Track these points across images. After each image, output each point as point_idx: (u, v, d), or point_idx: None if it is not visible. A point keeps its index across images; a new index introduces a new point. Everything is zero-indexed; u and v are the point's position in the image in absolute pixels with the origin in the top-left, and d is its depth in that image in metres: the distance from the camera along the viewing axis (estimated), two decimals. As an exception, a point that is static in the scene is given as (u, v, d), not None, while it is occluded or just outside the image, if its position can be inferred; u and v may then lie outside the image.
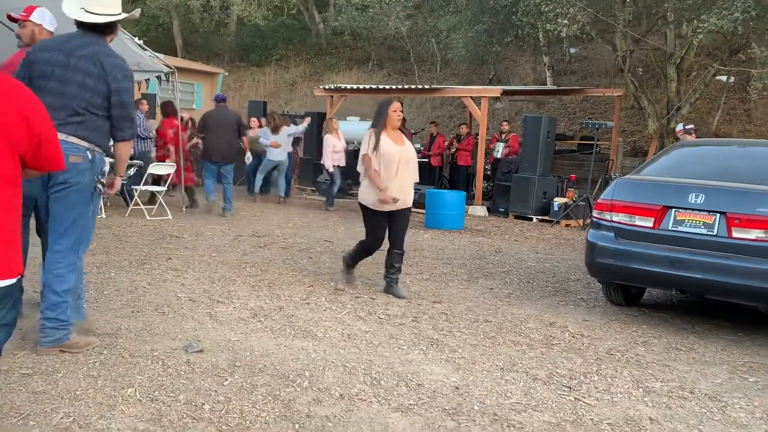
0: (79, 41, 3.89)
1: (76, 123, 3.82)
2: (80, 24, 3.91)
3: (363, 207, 5.92)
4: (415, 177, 5.99)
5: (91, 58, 3.83)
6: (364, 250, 6.06)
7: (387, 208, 5.77)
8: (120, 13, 3.97)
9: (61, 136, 3.24)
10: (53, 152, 2.66)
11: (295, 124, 14.03)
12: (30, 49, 4.09)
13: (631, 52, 15.58)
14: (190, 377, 3.72)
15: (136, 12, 4.36)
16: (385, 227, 5.92)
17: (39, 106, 2.64)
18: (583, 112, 19.57)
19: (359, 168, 5.93)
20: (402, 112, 5.99)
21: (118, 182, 4.26)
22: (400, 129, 6.01)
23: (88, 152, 3.86)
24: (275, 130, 12.60)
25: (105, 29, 3.94)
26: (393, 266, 6.01)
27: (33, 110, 2.57)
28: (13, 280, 2.64)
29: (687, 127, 10.57)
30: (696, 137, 8.78)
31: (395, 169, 5.77)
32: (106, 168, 4.27)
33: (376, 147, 5.76)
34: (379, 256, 6.36)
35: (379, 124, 5.89)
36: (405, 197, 5.86)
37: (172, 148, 11.36)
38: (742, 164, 5.87)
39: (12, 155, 2.51)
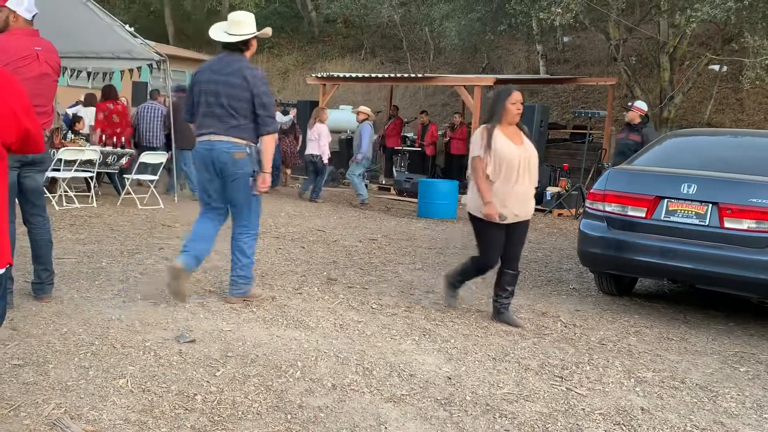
0: (226, 61, 4.88)
1: (235, 127, 4.80)
2: (225, 45, 4.91)
3: (474, 218, 4.96)
4: (536, 182, 4.97)
5: (235, 73, 4.78)
6: (475, 269, 5.17)
7: (508, 220, 4.82)
8: (254, 33, 4.88)
9: (225, 138, 4.75)
10: (36, 139, 2.72)
11: (287, 113, 13.95)
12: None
13: (624, 41, 15.58)
14: (182, 368, 3.71)
15: (268, 30, 5.10)
16: (502, 242, 4.93)
17: (26, 98, 2.66)
18: (576, 101, 19.57)
19: (470, 173, 4.96)
20: (522, 104, 4.94)
21: (268, 178, 4.93)
22: (516, 125, 4.92)
23: (246, 148, 4.84)
24: None
25: (243, 47, 4.89)
26: (505, 289, 5.03)
27: (21, 104, 2.59)
28: (2, 271, 2.63)
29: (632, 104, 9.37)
30: (633, 115, 8.21)
31: (515, 175, 4.74)
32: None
33: (489, 147, 4.73)
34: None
35: (493, 118, 4.86)
36: (526, 208, 4.90)
37: (95, 134, 10.90)
38: (734, 154, 5.89)
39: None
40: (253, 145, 4.90)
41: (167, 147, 10.84)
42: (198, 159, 4.95)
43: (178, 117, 10.43)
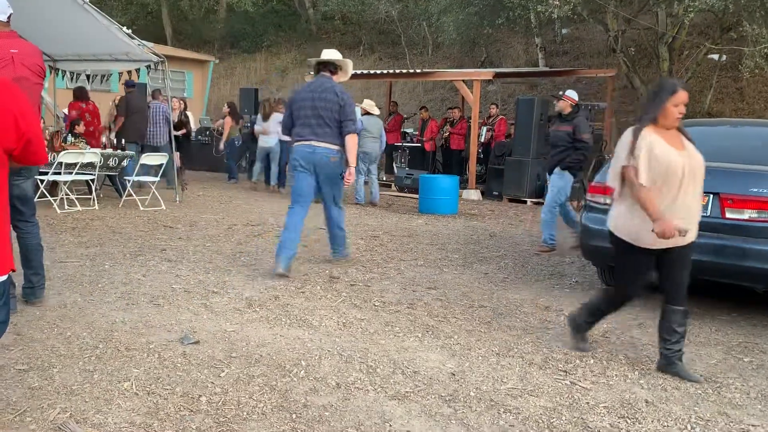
0: (319, 82, 6.25)
1: (330, 135, 6.12)
2: (320, 66, 6.37)
3: (618, 241, 4.09)
4: (701, 193, 4.09)
5: (329, 91, 6.14)
6: (611, 304, 4.28)
7: (664, 243, 3.88)
8: (340, 59, 6.40)
9: (324, 144, 6.08)
10: (39, 147, 2.71)
11: None
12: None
13: (622, 32, 15.54)
14: (187, 369, 3.72)
15: (349, 63, 6.49)
16: (649, 271, 4.09)
17: (27, 105, 2.66)
18: (576, 93, 19.51)
19: (612, 182, 4.06)
20: (686, 105, 4.02)
21: (353, 170, 6.24)
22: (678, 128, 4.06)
23: (338, 152, 6.16)
24: (266, 117, 12.59)
25: (333, 71, 6.36)
26: (675, 331, 4.02)
27: (21, 110, 2.59)
28: (5, 277, 2.64)
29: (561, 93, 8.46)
30: (564, 105, 7.81)
31: (678, 186, 3.85)
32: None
33: (644, 153, 3.84)
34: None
35: (646, 118, 3.98)
36: (692, 226, 3.95)
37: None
38: (735, 144, 5.87)
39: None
40: (341, 149, 6.17)
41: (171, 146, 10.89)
42: (299, 158, 6.15)
43: (129, 111, 11.15)
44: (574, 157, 7.63)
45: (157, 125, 11.60)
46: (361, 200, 11.69)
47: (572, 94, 7.90)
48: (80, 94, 11.46)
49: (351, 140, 6.16)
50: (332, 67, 6.37)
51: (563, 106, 7.77)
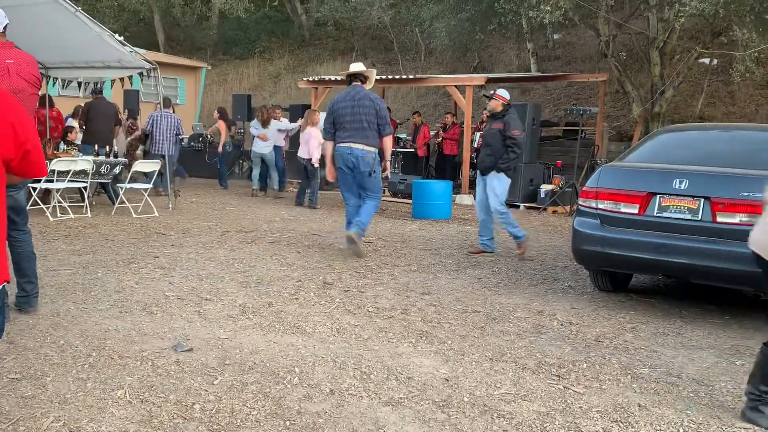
0: (356, 90, 7.26)
1: (368, 137, 7.16)
2: (350, 81, 7.40)
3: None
4: None
5: (365, 98, 7.19)
6: None
7: None
8: (367, 70, 7.50)
9: (361, 146, 7.12)
10: (38, 159, 2.71)
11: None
12: None
13: (614, 36, 15.61)
14: (180, 377, 3.71)
15: (373, 72, 7.63)
16: None
17: (25, 115, 2.66)
18: (568, 97, 19.61)
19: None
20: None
21: (388, 164, 7.71)
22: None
23: (373, 153, 7.20)
24: (264, 123, 12.65)
25: (363, 81, 7.38)
26: None
27: (20, 119, 2.59)
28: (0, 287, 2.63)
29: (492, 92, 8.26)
30: (496, 104, 7.56)
31: None
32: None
33: None
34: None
35: None
36: None
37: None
38: (725, 148, 5.91)
39: None
40: (376, 149, 7.24)
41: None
42: (341, 159, 7.19)
43: (90, 115, 11.44)
44: (507, 157, 7.58)
45: (163, 133, 11.66)
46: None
47: (504, 93, 7.94)
48: (43, 101, 11.57)
49: (388, 141, 7.46)
50: (362, 77, 7.38)
51: (495, 105, 7.80)
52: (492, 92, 8.01)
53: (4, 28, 4.37)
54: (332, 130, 7.29)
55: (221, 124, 14.11)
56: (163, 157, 11.26)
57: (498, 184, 7.68)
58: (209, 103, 23.06)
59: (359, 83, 7.30)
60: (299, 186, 12.31)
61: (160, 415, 3.23)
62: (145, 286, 5.65)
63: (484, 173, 7.84)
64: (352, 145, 7.10)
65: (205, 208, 10.87)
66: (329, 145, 7.43)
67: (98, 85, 11.60)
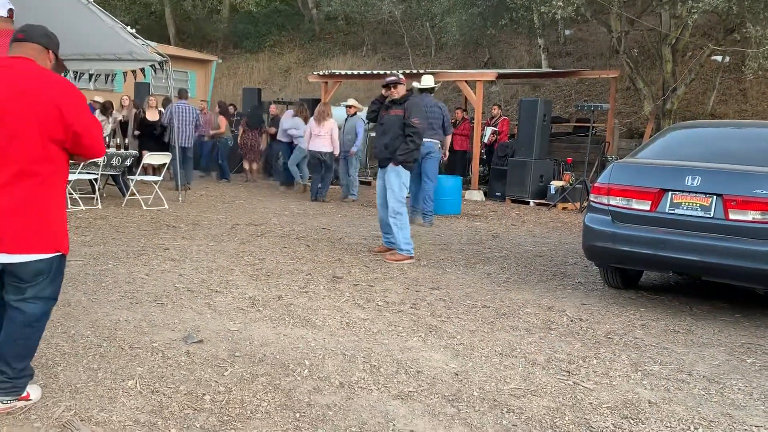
0: (426, 100, 9.30)
1: (434, 134, 9.39)
2: (422, 91, 9.62)
3: None
4: None
5: (434, 106, 9.64)
6: None
7: None
8: (435, 86, 9.88)
9: (427, 140, 8.89)
10: (92, 142, 2.83)
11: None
12: None
13: (626, 33, 15.53)
14: (191, 368, 3.72)
15: (431, 78, 9.83)
16: None
17: (75, 98, 2.76)
18: (579, 94, 19.52)
19: None
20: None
21: (446, 153, 10.23)
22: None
23: (438, 145, 9.60)
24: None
25: (429, 92, 9.71)
26: None
27: (68, 102, 2.70)
28: (48, 255, 2.76)
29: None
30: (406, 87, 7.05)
31: None
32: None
33: None
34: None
35: None
36: None
37: None
38: (738, 145, 5.87)
39: (44, 142, 2.71)
40: (440, 143, 9.63)
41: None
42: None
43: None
44: (405, 148, 6.89)
45: (188, 126, 11.66)
46: (355, 196, 12.09)
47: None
48: None
49: (448, 138, 10.03)
50: (430, 89, 9.67)
51: (399, 90, 7.09)
52: (398, 75, 7.28)
53: (9, 12, 4.21)
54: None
55: (221, 119, 14.18)
56: (184, 149, 11.29)
57: (395, 179, 6.97)
58: (219, 97, 23.08)
59: (429, 94, 9.60)
60: (313, 182, 12.05)
61: (170, 406, 3.24)
62: (155, 278, 5.67)
63: (382, 165, 7.17)
64: (424, 139, 8.31)
65: (214, 201, 10.90)
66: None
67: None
